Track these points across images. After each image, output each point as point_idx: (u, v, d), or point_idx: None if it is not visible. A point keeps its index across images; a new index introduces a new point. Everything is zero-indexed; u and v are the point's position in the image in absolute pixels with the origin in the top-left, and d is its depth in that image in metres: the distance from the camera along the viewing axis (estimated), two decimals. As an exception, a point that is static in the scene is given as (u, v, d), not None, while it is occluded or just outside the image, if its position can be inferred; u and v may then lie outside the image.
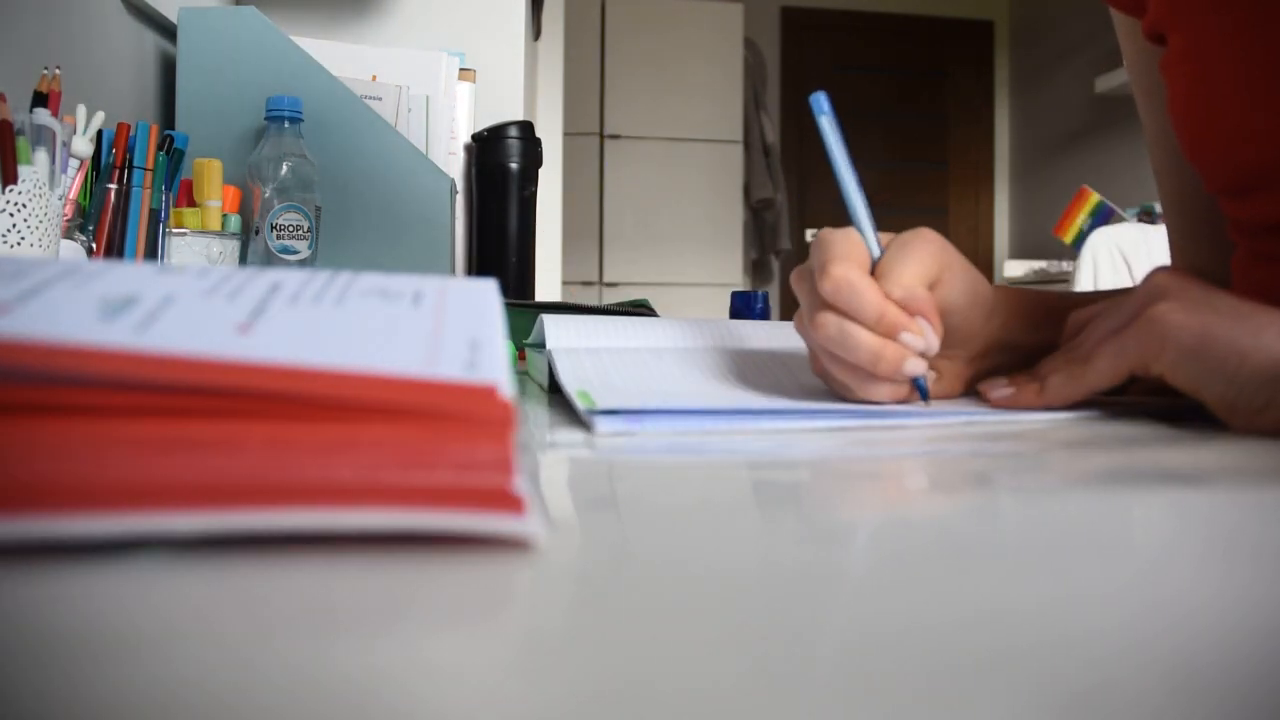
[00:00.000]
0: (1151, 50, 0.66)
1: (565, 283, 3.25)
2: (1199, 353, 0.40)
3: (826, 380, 0.49)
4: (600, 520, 0.25)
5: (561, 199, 2.76)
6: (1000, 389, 0.48)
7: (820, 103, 0.50)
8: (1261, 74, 0.54)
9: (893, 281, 0.47)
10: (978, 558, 0.20)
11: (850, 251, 0.48)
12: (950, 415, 0.45)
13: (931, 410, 0.45)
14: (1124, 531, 0.23)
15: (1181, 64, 0.60)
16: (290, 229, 0.94)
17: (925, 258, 0.49)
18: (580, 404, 0.43)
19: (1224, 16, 0.56)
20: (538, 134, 1.28)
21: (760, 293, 0.90)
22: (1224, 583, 0.19)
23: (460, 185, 1.26)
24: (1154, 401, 0.48)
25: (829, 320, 0.46)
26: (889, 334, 0.46)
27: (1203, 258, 0.70)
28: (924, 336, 0.46)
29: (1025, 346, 0.55)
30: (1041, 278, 3.07)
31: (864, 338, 0.46)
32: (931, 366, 0.52)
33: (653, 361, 0.54)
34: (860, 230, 0.49)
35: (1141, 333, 0.42)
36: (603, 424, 0.40)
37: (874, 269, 0.48)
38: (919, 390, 0.47)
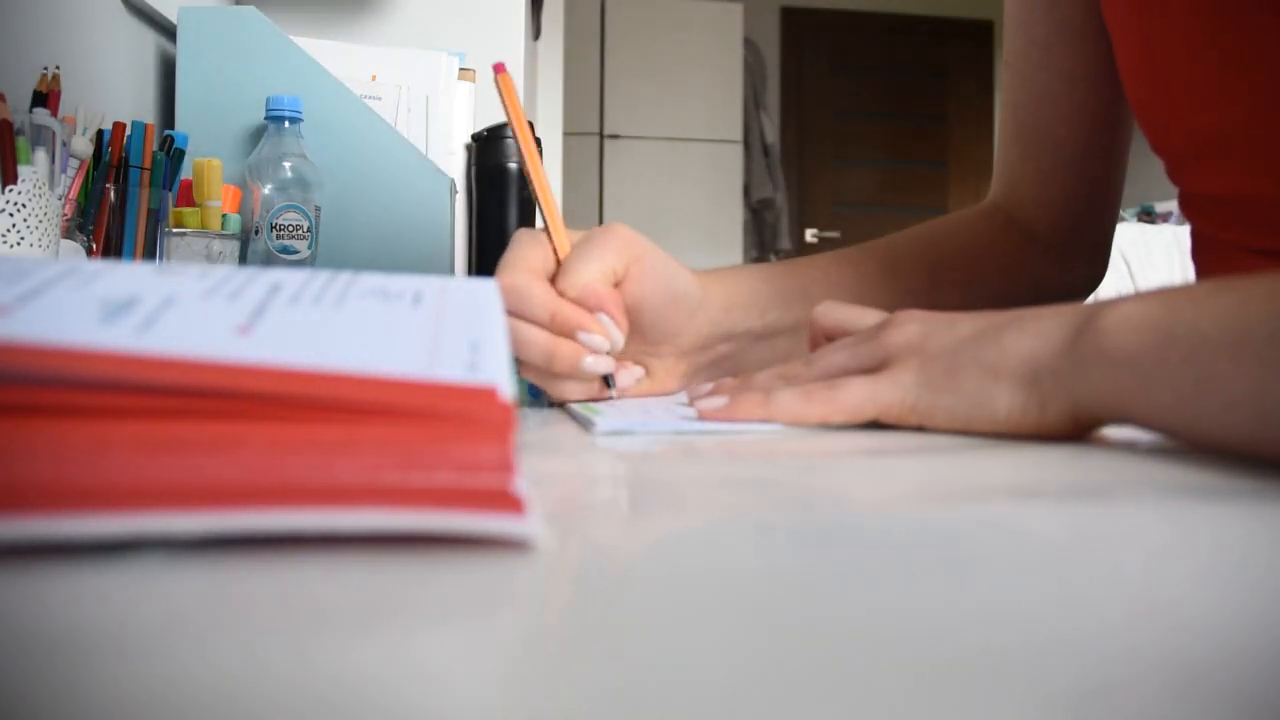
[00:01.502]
0: None
1: (565, 282, 3.24)
2: (952, 388, 0.38)
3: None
4: (599, 521, 0.25)
5: (561, 199, 2.76)
6: (709, 400, 0.42)
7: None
8: (1227, 29, 0.50)
9: (569, 281, 0.46)
10: (979, 560, 0.20)
11: (523, 256, 0.47)
12: None
13: None
14: (1125, 536, 0.23)
15: (1131, 14, 0.56)
16: (290, 229, 0.94)
17: (607, 253, 0.47)
18: (584, 411, 0.43)
19: None
20: (538, 134, 1.28)
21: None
22: (1227, 586, 0.19)
23: (460, 185, 1.26)
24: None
25: (528, 333, 0.46)
26: (564, 333, 0.45)
27: (1024, 176, 0.68)
28: (605, 333, 0.45)
29: (758, 332, 0.53)
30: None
31: (534, 337, 0.45)
32: (639, 363, 0.51)
33: None
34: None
35: (892, 385, 0.39)
36: (602, 424, 0.40)
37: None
38: (606, 384, 0.47)
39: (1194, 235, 0.60)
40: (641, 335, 0.50)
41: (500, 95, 0.49)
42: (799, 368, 0.44)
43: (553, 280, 0.47)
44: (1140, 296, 0.34)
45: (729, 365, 0.53)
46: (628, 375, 0.49)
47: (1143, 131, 0.59)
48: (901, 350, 0.40)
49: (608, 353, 0.46)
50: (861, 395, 0.39)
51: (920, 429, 0.39)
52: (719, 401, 0.41)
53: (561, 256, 0.48)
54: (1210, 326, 0.31)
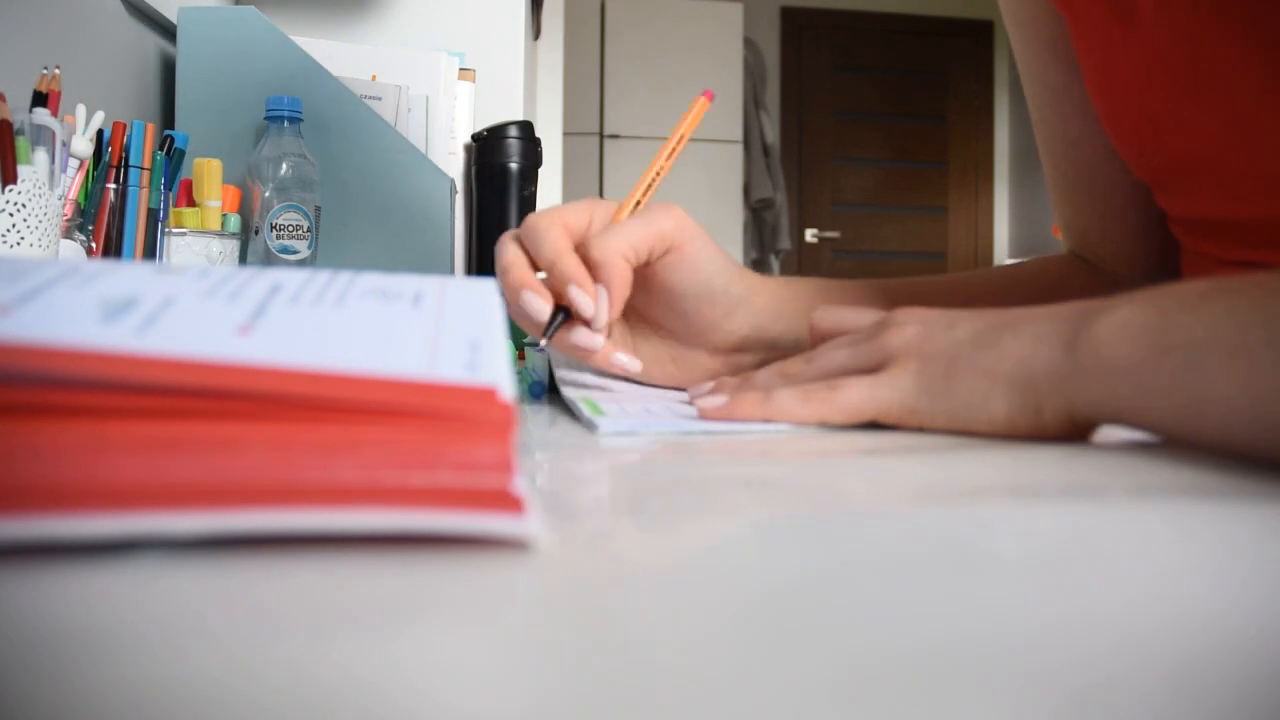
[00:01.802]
0: None
1: (565, 282, 3.24)
2: (949, 391, 0.38)
3: None
4: (600, 520, 0.25)
5: (561, 199, 2.76)
6: (709, 399, 0.42)
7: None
8: (1183, 59, 0.50)
9: (598, 241, 0.46)
10: (978, 561, 0.20)
11: (566, 210, 0.47)
12: None
13: None
14: (1124, 536, 0.23)
15: (1095, 44, 0.55)
16: (290, 229, 0.94)
17: (647, 231, 0.47)
18: (587, 411, 0.43)
19: None
20: (538, 134, 1.28)
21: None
22: (1225, 586, 0.19)
23: (460, 185, 1.26)
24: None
25: (505, 247, 0.47)
26: (558, 284, 0.45)
27: (1087, 225, 0.67)
28: (593, 301, 0.45)
29: (802, 345, 0.51)
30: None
31: (516, 271, 0.46)
32: (672, 354, 0.51)
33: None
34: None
35: (891, 387, 0.39)
36: (605, 424, 0.40)
37: None
38: (544, 331, 0.47)
39: (1180, 248, 0.60)
40: (674, 324, 0.50)
41: (690, 113, 0.51)
42: (799, 365, 0.44)
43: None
44: (1134, 300, 0.34)
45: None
46: (626, 361, 0.48)
47: (1121, 155, 0.58)
48: (900, 351, 0.40)
49: (590, 324, 0.46)
50: (860, 396, 0.39)
51: (919, 429, 0.39)
52: (718, 400, 0.41)
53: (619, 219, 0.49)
54: (1205, 333, 0.31)
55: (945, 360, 0.39)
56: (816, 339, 0.47)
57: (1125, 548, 0.22)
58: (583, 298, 0.45)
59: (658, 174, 0.50)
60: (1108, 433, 0.38)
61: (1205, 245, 0.56)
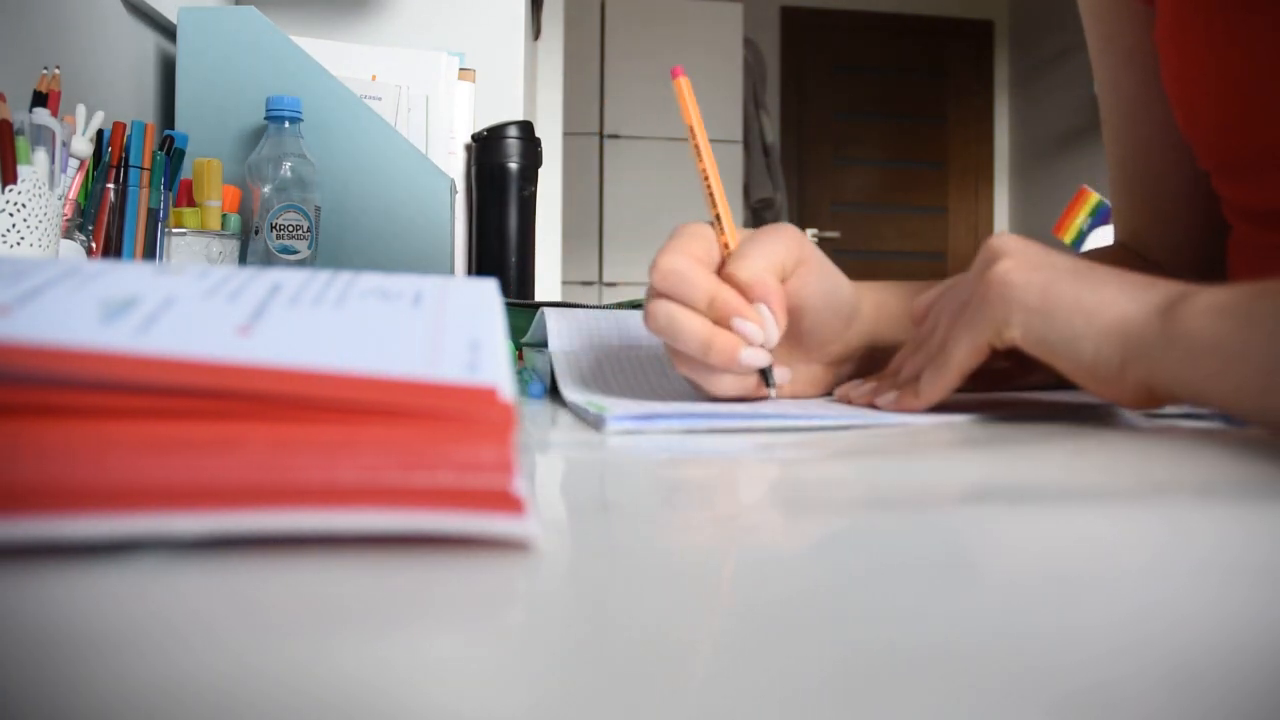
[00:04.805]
0: None
1: (565, 282, 3.24)
2: (1045, 311, 0.39)
3: (686, 379, 0.47)
4: (600, 520, 0.25)
5: (561, 199, 2.76)
6: (886, 395, 0.45)
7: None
8: (1270, 46, 0.51)
9: (740, 265, 0.45)
10: (978, 561, 0.20)
11: (686, 244, 0.46)
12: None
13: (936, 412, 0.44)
14: (1125, 536, 0.23)
15: (1176, 31, 0.56)
16: (290, 229, 0.94)
17: (778, 248, 0.47)
18: (592, 410, 0.43)
19: None
20: (537, 134, 1.28)
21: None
22: (1225, 587, 0.19)
23: (460, 185, 1.26)
24: (1027, 399, 0.47)
25: (659, 308, 0.44)
26: (722, 319, 0.44)
27: (1143, 223, 0.68)
28: (762, 323, 0.44)
29: (903, 344, 0.52)
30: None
31: (693, 324, 0.44)
32: (786, 366, 0.50)
33: (652, 368, 0.53)
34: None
35: (987, 299, 0.41)
36: (612, 422, 0.40)
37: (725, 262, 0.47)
38: (765, 382, 0.46)
39: (1233, 234, 0.60)
40: (796, 339, 0.50)
41: (684, 100, 0.50)
42: (925, 335, 0.45)
43: (719, 271, 0.47)
44: (1230, 286, 0.36)
45: (870, 372, 0.52)
46: (780, 374, 0.48)
47: (1191, 144, 0.59)
48: (998, 250, 0.42)
49: (762, 346, 0.45)
50: (964, 347, 0.41)
51: (1009, 371, 0.41)
52: (891, 397, 0.44)
53: (731, 247, 0.47)
54: None
55: (1044, 277, 0.40)
56: (919, 322, 0.48)
57: (1127, 549, 0.22)
58: (750, 328, 0.44)
59: (716, 175, 0.49)
60: (1111, 431, 0.38)
61: (1270, 235, 0.56)
